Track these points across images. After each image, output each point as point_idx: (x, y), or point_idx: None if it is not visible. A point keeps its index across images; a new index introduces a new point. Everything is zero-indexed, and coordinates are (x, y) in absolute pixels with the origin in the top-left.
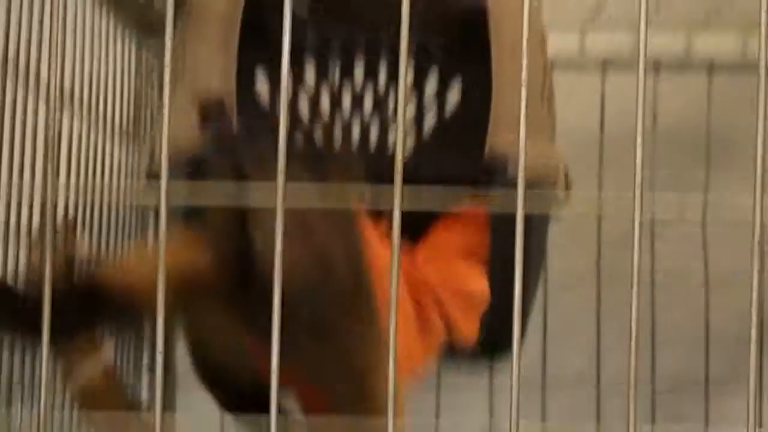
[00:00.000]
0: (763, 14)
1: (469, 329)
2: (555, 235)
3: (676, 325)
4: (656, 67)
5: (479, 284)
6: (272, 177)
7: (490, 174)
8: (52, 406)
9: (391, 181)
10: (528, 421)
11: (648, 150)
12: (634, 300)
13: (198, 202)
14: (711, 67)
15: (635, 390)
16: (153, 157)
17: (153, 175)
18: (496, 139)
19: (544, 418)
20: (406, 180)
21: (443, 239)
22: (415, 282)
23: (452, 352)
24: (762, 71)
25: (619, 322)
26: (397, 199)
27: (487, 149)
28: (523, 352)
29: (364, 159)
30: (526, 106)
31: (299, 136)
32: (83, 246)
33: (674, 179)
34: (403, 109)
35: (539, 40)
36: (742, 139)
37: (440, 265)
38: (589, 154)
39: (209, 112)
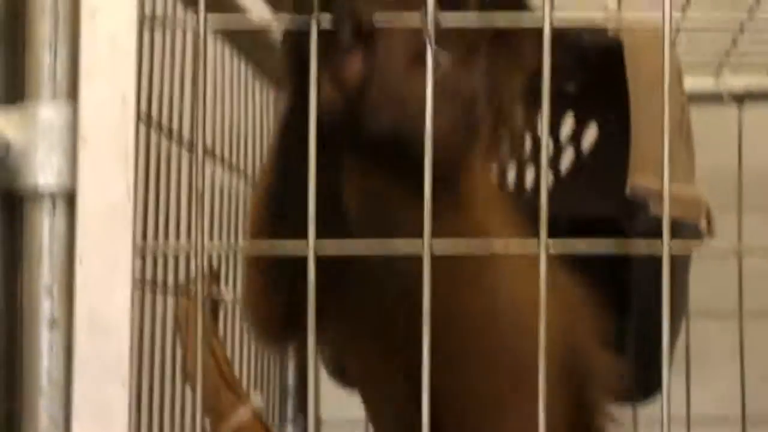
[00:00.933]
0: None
1: None
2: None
3: None
4: None
5: None
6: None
7: (631, 212)
8: None
9: (529, 219)
10: None
11: None
12: None
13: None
14: None
15: None
16: None
17: None
18: (636, 177)
19: None
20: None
21: None
22: None
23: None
24: None
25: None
26: (543, 241)
27: (627, 187)
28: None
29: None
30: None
31: None
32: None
33: None
34: (546, 149)
35: (677, 76)
36: None
37: None
38: (727, 191)
39: None
